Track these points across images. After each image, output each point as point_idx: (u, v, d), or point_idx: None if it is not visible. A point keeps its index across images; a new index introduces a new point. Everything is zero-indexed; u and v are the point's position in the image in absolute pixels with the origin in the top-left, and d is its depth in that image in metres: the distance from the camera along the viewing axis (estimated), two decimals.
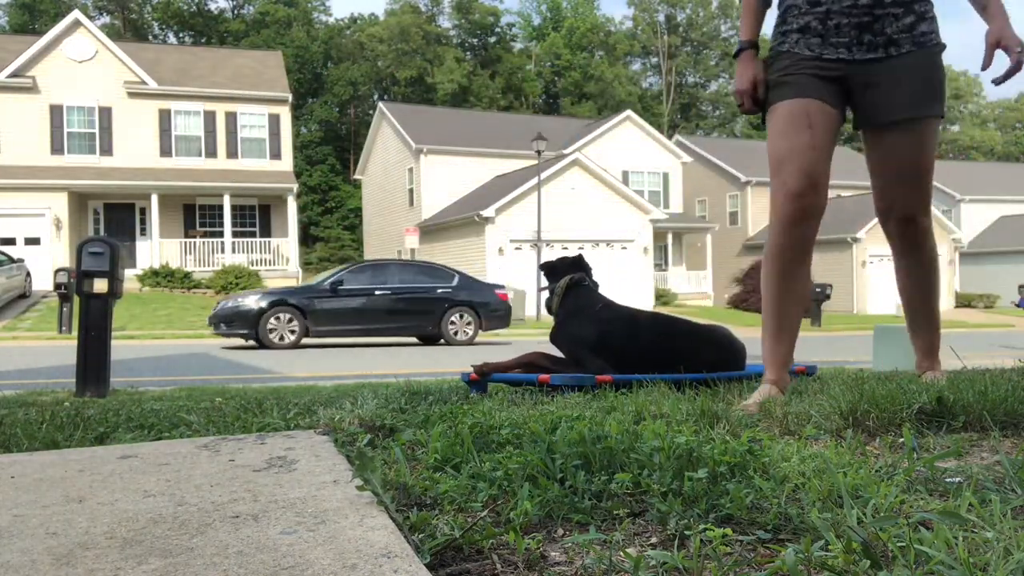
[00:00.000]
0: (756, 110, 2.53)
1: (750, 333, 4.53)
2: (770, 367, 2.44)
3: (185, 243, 23.68)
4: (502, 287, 15.20)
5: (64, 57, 23.58)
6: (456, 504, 1.24)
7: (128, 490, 1.36)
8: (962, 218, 38.64)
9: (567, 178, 25.08)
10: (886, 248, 2.78)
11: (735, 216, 34.36)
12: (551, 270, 3.37)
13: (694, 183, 34.82)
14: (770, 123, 2.47)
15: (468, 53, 61.92)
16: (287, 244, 24.85)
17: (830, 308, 25.07)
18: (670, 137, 33.37)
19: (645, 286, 26.07)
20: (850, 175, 37.93)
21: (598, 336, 3.09)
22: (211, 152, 24.81)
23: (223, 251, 23.58)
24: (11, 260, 18.34)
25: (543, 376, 2.89)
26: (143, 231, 24.47)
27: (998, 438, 1.66)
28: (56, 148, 23.27)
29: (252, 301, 12.75)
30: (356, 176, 39.26)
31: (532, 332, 17.65)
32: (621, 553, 1.00)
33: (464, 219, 25.27)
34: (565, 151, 27.39)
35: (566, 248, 22.88)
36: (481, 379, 3.14)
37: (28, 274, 19.71)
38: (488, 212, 23.88)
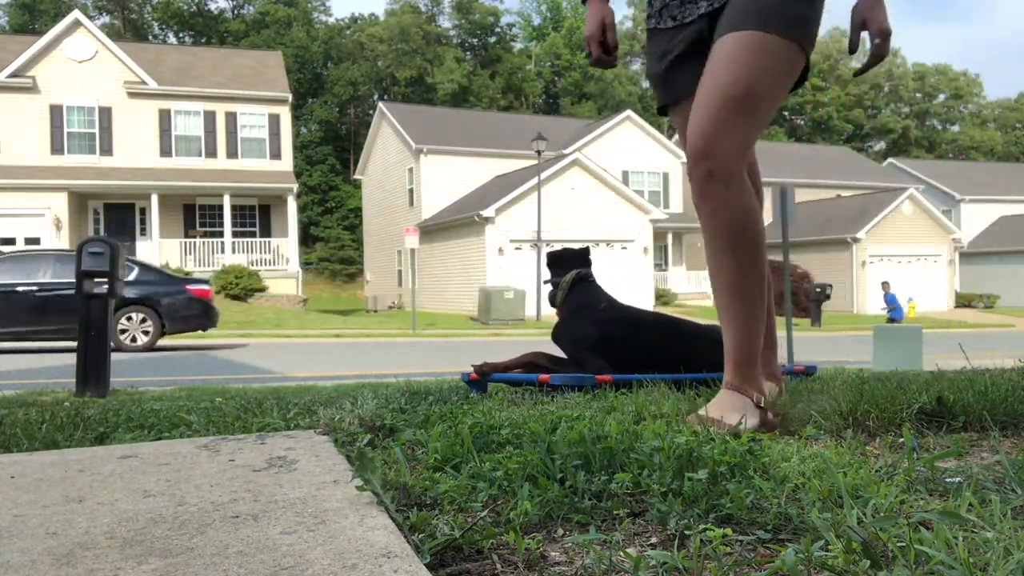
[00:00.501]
0: (607, 59, 2.18)
1: None
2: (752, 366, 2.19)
3: (185, 243, 23.68)
4: (205, 283, 13.13)
5: (64, 57, 23.59)
6: (456, 504, 1.24)
7: (128, 490, 1.36)
8: (962, 218, 38.68)
9: (567, 178, 25.08)
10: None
11: None
12: (556, 260, 3.32)
13: None
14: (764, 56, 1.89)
15: (468, 53, 61.99)
16: (287, 244, 24.85)
17: (830, 308, 25.08)
18: (670, 137, 33.34)
19: (645, 286, 26.07)
20: (850, 175, 37.89)
21: (600, 336, 3.07)
22: (211, 152, 24.82)
23: (223, 251, 23.58)
24: None
25: (543, 376, 2.89)
26: (143, 231, 24.48)
27: (998, 438, 1.66)
28: (56, 148, 23.28)
29: None
30: (356, 176, 39.29)
31: (532, 332, 17.64)
32: (621, 553, 1.00)
33: (464, 219, 25.28)
34: (565, 151, 27.41)
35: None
36: (481, 379, 3.14)
37: None
38: (488, 212, 23.89)
